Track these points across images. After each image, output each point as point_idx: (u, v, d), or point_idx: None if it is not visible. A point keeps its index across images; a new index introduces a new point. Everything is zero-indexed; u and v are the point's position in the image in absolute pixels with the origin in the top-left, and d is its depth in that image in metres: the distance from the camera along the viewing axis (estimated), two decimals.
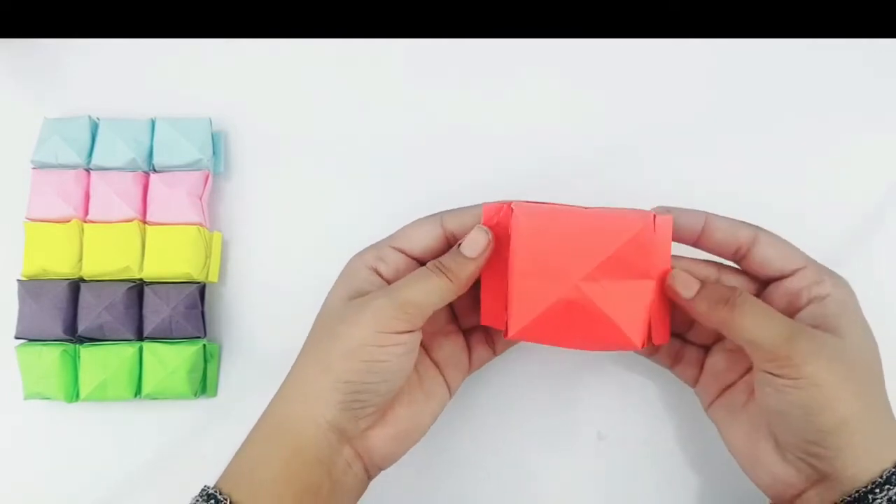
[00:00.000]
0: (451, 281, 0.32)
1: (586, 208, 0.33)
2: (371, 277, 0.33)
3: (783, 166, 0.42)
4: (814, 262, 0.33)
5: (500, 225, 0.33)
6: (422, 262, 0.34)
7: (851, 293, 0.32)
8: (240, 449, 0.33)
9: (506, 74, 0.44)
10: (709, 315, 0.31)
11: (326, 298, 0.34)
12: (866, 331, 0.32)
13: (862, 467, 0.29)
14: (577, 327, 0.32)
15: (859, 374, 0.30)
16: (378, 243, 0.34)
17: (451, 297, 0.32)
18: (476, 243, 0.32)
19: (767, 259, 0.32)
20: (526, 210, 0.32)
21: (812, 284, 0.32)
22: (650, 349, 0.37)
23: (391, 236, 0.34)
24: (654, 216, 0.32)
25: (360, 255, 0.34)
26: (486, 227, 0.33)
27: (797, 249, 0.33)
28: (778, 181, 0.42)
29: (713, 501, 0.36)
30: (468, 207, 0.34)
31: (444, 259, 0.33)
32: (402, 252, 0.34)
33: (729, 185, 0.42)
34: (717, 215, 0.33)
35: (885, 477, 0.29)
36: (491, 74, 0.44)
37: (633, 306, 0.32)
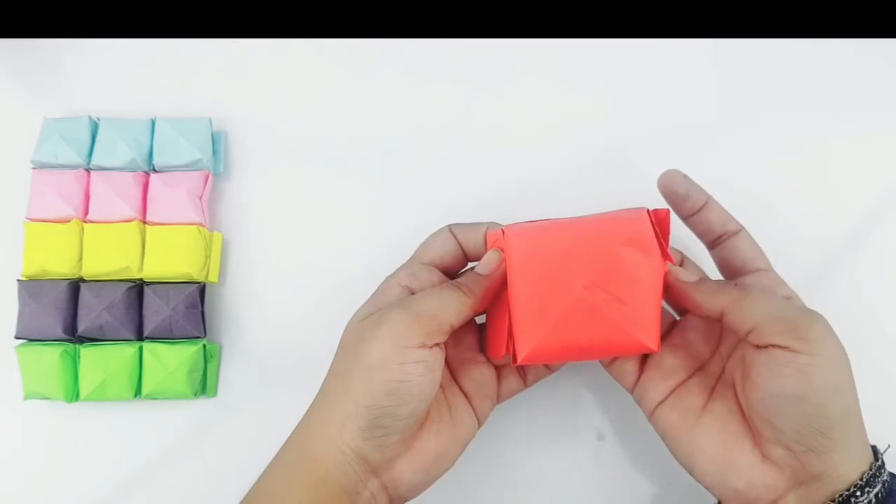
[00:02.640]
0: (465, 294, 0.32)
1: (579, 218, 0.32)
2: (402, 295, 0.33)
3: (783, 166, 0.42)
4: (770, 266, 0.34)
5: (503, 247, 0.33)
6: (449, 273, 0.35)
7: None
8: (261, 477, 0.32)
9: (506, 74, 0.44)
10: (714, 297, 0.31)
11: (351, 317, 0.34)
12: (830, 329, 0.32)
13: (851, 466, 0.29)
14: (587, 340, 0.31)
15: (847, 366, 0.30)
16: (408, 262, 0.35)
17: (468, 312, 0.32)
18: (489, 262, 0.33)
19: (740, 250, 0.34)
20: (517, 231, 0.32)
21: (774, 285, 0.33)
22: None
23: (417, 254, 0.35)
24: (649, 211, 0.31)
25: (393, 274, 0.34)
26: (498, 249, 0.33)
27: (763, 254, 0.35)
28: (778, 181, 0.42)
29: (713, 501, 0.36)
30: (473, 224, 0.35)
31: (460, 278, 0.33)
32: (432, 265, 0.34)
33: (730, 184, 0.42)
34: (716, 203, 0.35)
35: (864, 479, 0.29)
36: (491, 74, 0.44)
37: (642, 308, 0.30)
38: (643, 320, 0.30)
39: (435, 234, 0.35)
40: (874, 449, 0.31)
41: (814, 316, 0.29)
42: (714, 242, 0.35)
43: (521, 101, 0.43)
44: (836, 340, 0.29)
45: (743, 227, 0.34)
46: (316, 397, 0.33)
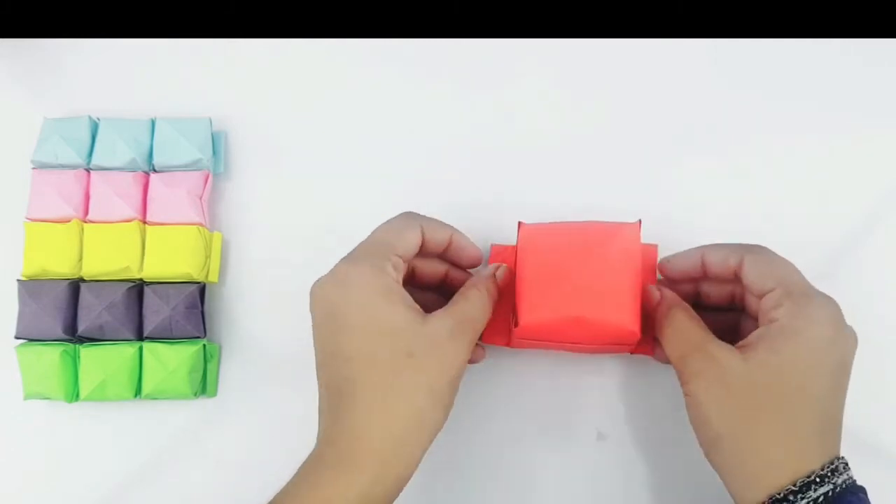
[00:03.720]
0: (492, 302, 0.35)
1: (583, 222, 0.36)
2: (405, 292, 0.33)
3: (783, 166, 0.42)
4: (789, 284, 0.32)
5: (507, 260, 0.38)
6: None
7: (810, 323, 0.31)
8: (319, 478, 0.30)
9: (506, 74, 0.44)
10: (656, 327, 0.35)
11: (381, 314, 0.31)
12: (795, 355, 0.31)
13: (746, 489, 0.30)
14: (581, 323, 0.34)
15: (750, 395, 0.30)
16: (383, 251, 0.33)
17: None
18: (503, 276, 0.36)
19: (747, 282, 0.34)
20: (531, 226, 0.37)
21: (772, 308, 0.32)
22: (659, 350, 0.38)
23: (389, 243, 0.33)
24: (640, 222, 0.35)
25: (379, 268, 0.32)
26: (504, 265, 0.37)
27: (778, 270, 0.33)
28: (778, 181, 0.42)
29: (713, 501, 0.36)
30: (440, 223, 0.36)
31: (490, 285, 0.35)
32: (403, 259, 0.34)
33: (729, 184, 0.42)
34: (710, 247, 0.35)
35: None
36: (491, 74, 0.44)
37: (631, 298, 0.34)
38: (630, 307, 0.34)
39: (405, 223, 0.34)
40: (825, 473, 0.30)
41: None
42: (736, 280, 0.35)
43: (520, 101, 0.43)
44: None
45: (746, 253, 0.34)
46: (389, 396, 0.31)
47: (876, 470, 0.38)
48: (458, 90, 0.43)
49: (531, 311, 0.35)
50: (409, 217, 0.35)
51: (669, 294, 0.35)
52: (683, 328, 0.33)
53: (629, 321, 0.34)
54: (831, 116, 0.43)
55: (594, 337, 0.36)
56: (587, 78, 0.44)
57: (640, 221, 0.35)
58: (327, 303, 0.32)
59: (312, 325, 0.33)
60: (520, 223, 0.37)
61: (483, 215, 0.42)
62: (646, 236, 0.40)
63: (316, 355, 0.33)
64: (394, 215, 0.35)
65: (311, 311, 0.33)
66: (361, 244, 0.34)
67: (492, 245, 0.39)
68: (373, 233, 0.34)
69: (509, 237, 0.39)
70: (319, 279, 0.33)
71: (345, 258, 0.33)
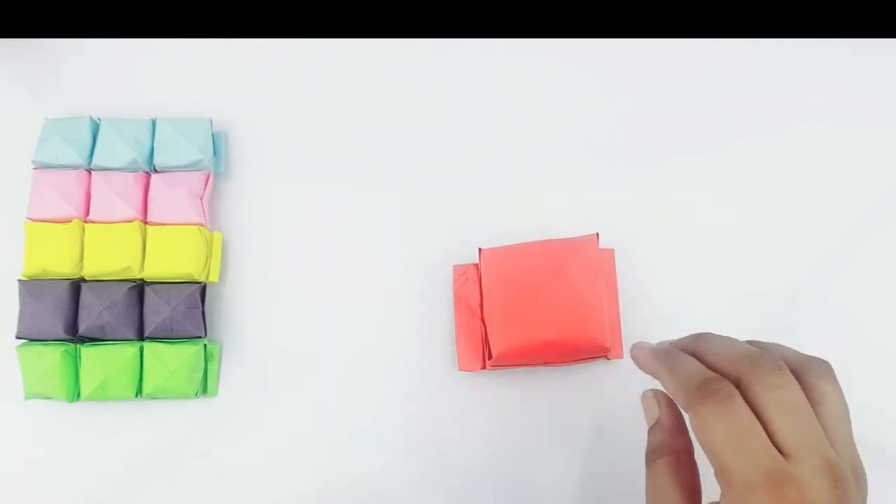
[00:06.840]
0: None
1: (542, 241, 0.38)
2: None
3: (783, 166, 0.42)
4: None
5: (470, 279, 0.39)
6: None
7: None
8: None
9: (506, 74, 0.44)
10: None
11: None
12: None
13: None
14: (553, 337, 0.36)
15: None
16: None
17: None
18: None
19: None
20: (490, 253, 0.38)
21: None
22: None
23: None
24: (597, 235, 0.37)
25: None
26: None
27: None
28: (778, 181, 0.42)
29: (712, 499, 0.36)
30: None
31: None
32: None
33: (729, 184, 0.42)
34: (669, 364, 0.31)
35: None
36: (492, 74, 0.44)
37: (596, 312, 0.36)
38: (597, 322, 0.36)
39: None
40: None
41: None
42: None
43: (520, 102, 0.43)
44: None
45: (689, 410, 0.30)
46: None
47: (876, 470, 0.38)
48: (458, 90, 0.43)
49: (502, 341, 0.36)
50: None
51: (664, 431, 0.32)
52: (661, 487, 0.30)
53: (599, 337, 0.36)
54: (831, 116, 0.43)
55: (568, 354, 0.37)
56: (587, 78, 0.44)
57: (597, 234, 0.37)
58: None
59: None
60: (480, 250, 0.38)
61: (482, 215, 0.42)
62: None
63: None
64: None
65: None
66: None
67: (454, 266, 0.40)
68: None
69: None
70: None
71: None
